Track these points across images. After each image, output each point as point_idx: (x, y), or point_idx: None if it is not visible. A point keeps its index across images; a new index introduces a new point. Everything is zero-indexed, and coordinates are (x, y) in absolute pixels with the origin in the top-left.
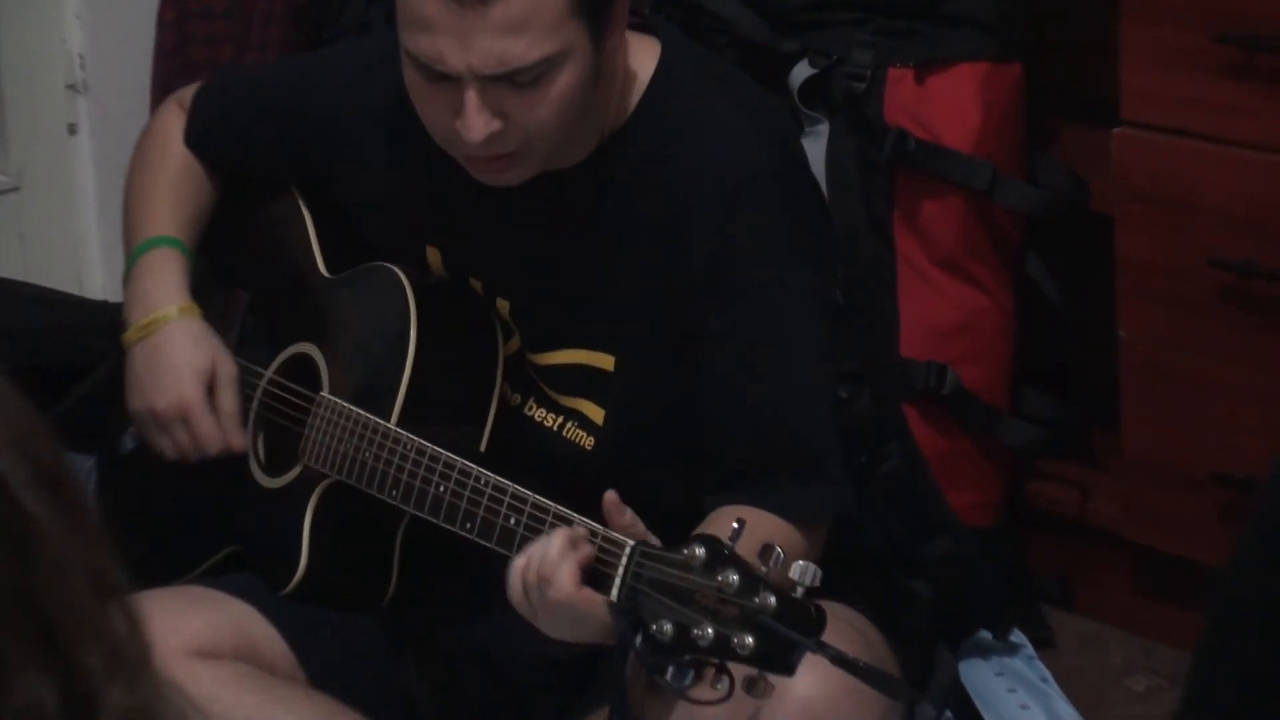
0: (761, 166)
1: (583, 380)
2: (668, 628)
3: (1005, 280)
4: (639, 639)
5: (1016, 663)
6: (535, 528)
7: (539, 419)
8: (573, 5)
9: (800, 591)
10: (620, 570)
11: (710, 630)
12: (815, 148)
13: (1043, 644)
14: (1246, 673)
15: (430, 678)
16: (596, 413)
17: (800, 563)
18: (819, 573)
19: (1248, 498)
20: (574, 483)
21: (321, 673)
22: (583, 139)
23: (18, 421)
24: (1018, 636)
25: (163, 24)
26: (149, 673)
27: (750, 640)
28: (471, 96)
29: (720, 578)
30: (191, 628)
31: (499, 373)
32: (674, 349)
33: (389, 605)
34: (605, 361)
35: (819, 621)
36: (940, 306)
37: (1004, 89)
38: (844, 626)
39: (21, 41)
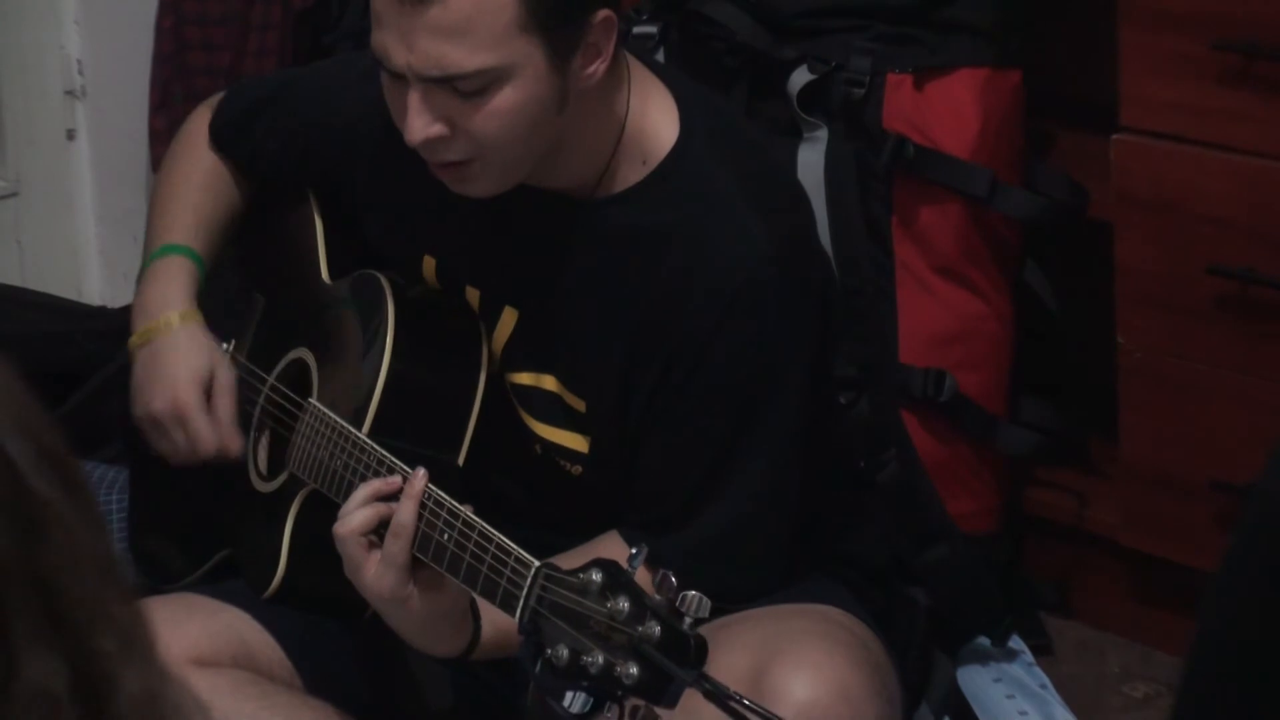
0: (762, 273)
1: (558, 410)
2: (563, 652)
3: (1004, 287)
4: (539, 664)
5: (1015, 669)
6: (479, 555)
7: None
8: (521, 20)
9: (688, 623)
10: (524, 592)
11: (600, 657)
12: (814, 154)
13: (1041, 651)
14: (1239, 677)
15: (424, 685)
16: (580, 442)
17: (691, 593)
18: (708, 603)
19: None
20: (564, 502)
21: (318, 679)
22: (572, 164)
23: (20, 405)
24: (1016, 643)
25: (161, 30)
26: (157, 660)
27: (634, 670)
28: (414, 97)
29: (611, 604)
30: (189, 636)
31: (480, 386)
32: (634, 415)
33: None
34: (577, 404)
35: (699, 654)
36: (939, 313)
37: (1003, 95)
38: (842, 633)
39: (20, 47)
